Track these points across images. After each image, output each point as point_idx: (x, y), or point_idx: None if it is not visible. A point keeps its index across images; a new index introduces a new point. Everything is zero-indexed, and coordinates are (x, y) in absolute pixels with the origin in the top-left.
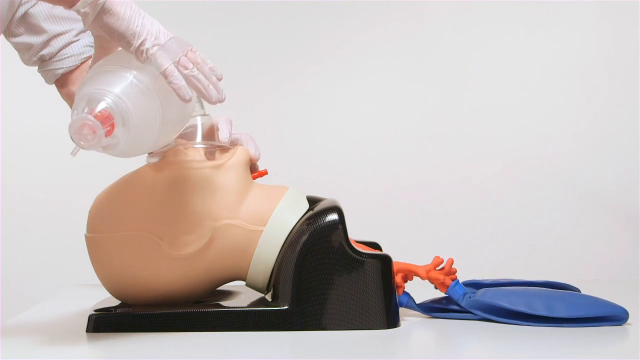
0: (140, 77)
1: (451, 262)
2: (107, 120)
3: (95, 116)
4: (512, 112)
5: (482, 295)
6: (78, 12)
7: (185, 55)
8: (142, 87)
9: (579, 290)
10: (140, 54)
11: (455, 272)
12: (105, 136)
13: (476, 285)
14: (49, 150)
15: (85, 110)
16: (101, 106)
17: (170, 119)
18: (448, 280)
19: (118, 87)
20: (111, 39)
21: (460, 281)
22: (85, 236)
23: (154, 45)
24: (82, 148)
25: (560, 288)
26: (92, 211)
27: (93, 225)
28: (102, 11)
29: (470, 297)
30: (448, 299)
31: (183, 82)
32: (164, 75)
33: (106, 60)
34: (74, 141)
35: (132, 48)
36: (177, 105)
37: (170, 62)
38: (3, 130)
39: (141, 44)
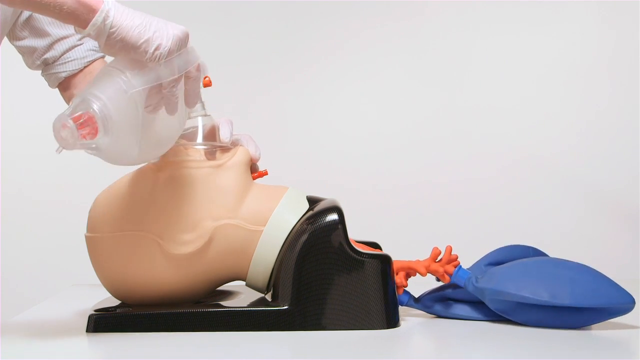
0: (131, 83)
1: (449, 249)
2: (86, 124)
3: (74, 118)
4: (512, 112)
5: (488, 280)
6: (90, 36)
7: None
8: (130, 94)
9: None
10: (155, 59)
11: (456, 258)
12: (85, 139)
13: (478, 268)
14: (49, 150)
15: (68, 113)
16: (82, 110)
17: (155, 131)
18: (450, 269)
19: (107, 93)
20: (128, 53)
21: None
22: (85, 236)
23: (168, 51)
24: (62, 148)
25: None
26: (92, 211)
27: (93, 225)
28: (112, 31)
29: (476, 282)
30: (446, 288)
31: (176, 99)
32: (163, 85)
33: (111, 63)
34: (55, 140)
35: (147, 56)
36: (164, 118)
37: (177, 74)
38: (3, 130)
39: (156, 48)
